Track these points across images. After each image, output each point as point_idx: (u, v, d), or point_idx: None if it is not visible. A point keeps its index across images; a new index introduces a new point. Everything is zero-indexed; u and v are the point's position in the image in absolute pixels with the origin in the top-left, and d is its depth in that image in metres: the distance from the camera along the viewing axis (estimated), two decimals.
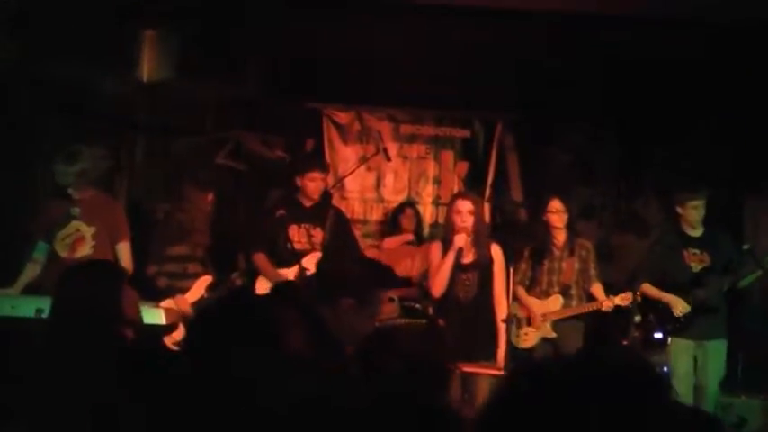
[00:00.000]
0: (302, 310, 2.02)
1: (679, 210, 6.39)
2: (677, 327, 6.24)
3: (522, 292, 6.45)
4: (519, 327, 6.44)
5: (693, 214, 6.32)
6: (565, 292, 6.40)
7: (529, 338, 6.42)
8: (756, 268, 6.13)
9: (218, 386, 2.15)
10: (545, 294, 6.43)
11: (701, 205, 6.31)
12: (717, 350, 6.27)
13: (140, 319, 3.49)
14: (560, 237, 6.45)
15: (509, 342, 5.58)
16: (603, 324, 6.53)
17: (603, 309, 6.23)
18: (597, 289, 6.42)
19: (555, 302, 6.41)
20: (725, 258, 6.28)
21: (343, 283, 3.08)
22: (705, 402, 6.15)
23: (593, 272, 6.45)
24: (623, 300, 6.12)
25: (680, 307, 6.20)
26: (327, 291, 3.05)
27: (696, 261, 6.34)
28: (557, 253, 6.44)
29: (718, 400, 6.32)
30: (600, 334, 6.52)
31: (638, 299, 6.10)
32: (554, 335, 6.37)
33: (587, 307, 6.37)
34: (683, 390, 6.17)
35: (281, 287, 5.20)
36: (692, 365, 6.26)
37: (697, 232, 6.39)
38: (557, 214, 6.40)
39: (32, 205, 6.31)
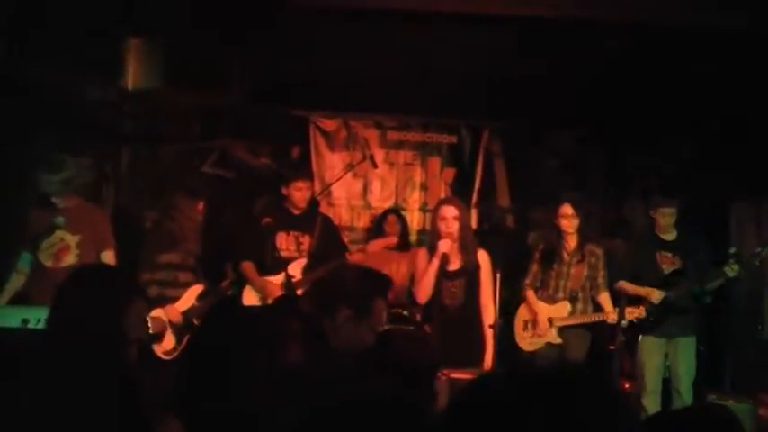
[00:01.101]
0: (303, 323, 2.00)
1: (652, 214, 6.55)
2: (648, 324, 6.28)
3: (531, 294, 6.46)
4: (524, 329, 6.45)
5: (664, 220, 6.47)
6: (572, 297, 6.39)
7: (534, 342, 6.42)
8: (722, 273, 6.20)
9: (215, 398, 2.12)
10: (551, 299, 6.42)
11: (671, 213, 6.44)
12: (687, 346, 6.39)
13: (146, 335, 3.15)
14: (571, 242, 6.43)
15: (497, 345, 5.58)
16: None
17: (609, 321, 6.21)
18: (605, 299, 6.40)
19: (563, 308, 6.39)
20: (698, 263, 6.37)
21: (341, 293, 3.02)
22: (680, 397, 6.28)
23: (601, 280, 6.43)
24: (631, 314, 6.09)
25: (655, 295, 6.28)
26: (325, 301, 3.00)
27: (668, 263, 6.46)
28: (566, 258, 6.43)
29: (694, 395, 6.39)
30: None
31: (643, 313, 6.14)
32: (559, 340, 6.36)
33: (594, 317, 6.34)
34: (652, 384, 6.33)
35: (282, 299, 5.17)
36: (662, 362, 6.39)
37: (670, 236, 6.50)
38: (567, 219, 6.38)
39: (17, 215, 6.26)
